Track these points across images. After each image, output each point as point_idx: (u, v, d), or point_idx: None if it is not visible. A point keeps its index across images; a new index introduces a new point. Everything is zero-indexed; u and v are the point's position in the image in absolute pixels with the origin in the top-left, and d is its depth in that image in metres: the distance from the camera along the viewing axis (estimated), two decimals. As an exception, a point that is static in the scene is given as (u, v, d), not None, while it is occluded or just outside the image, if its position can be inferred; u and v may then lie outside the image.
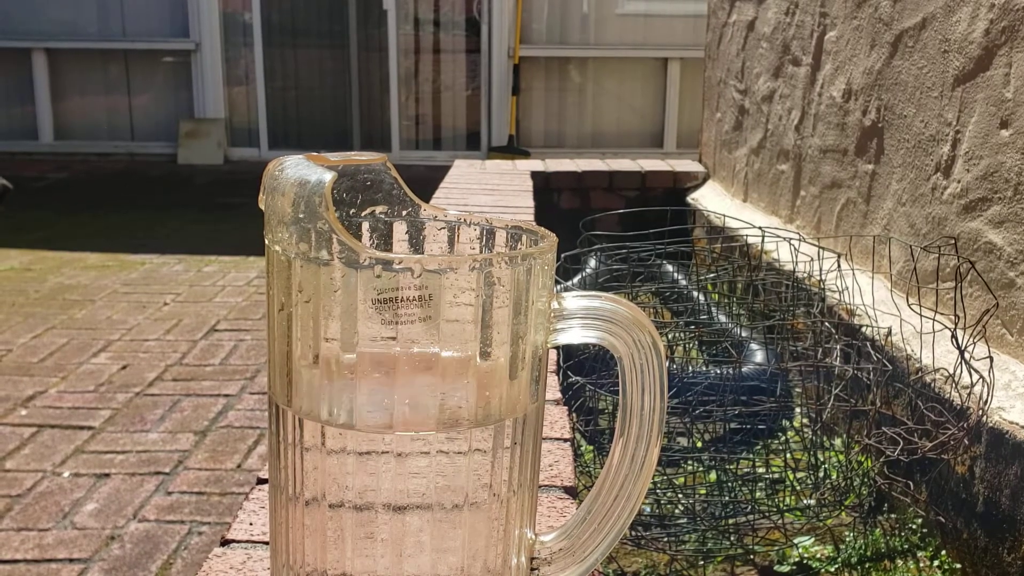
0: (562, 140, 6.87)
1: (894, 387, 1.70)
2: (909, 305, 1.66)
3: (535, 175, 3.18)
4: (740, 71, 3.08)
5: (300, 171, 0.45)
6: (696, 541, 1.61)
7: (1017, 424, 1.39)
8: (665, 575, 1.55)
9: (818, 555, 1.59)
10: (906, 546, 1.59)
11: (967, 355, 1.45)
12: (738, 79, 3.11)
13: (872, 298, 1.85)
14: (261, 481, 0.84)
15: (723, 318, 2.29)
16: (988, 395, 1.41)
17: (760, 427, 1.86)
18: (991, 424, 1.43)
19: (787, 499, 1.73)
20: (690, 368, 1.92)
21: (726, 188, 3.24)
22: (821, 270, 1.96)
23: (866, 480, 1.71)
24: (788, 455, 1.79)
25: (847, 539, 1.62)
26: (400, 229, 0.54)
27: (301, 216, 0.43)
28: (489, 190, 2.78)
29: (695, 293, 2.39)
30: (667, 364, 0.50)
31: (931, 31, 1.86)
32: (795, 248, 1.95)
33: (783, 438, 1.93)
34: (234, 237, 4.44)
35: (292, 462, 0.46)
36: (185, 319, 3.21)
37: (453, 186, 2.85)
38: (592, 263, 2.51)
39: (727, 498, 1.69)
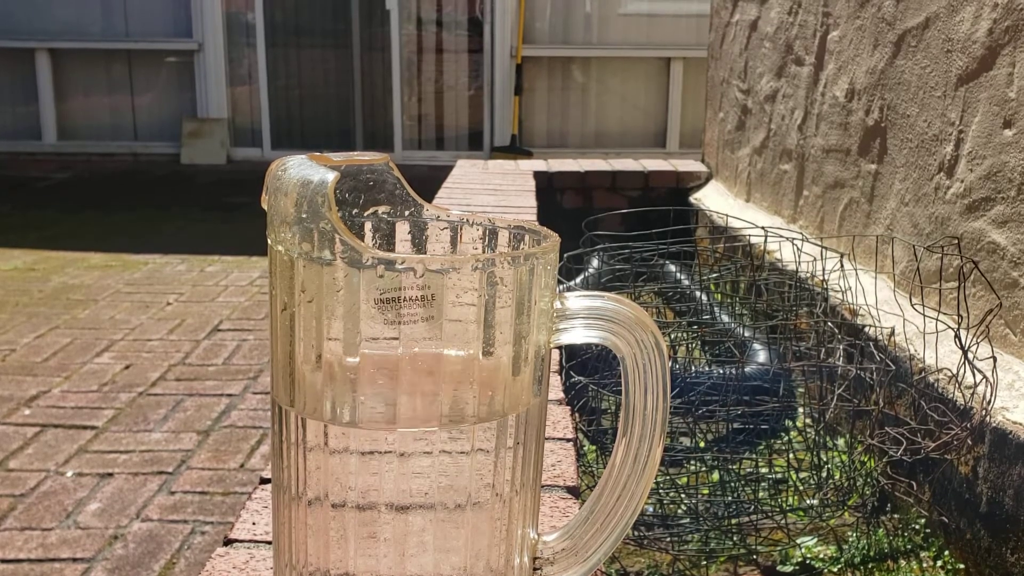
0: (565, 140, 6.87)
1: (897, 387, 1.69)
2: (912, 305, 1.66)
3: (538, 175, 3.18)
4: (743, 71, 3.08)
5: (303, 171, 0.45)
6: (699, 541, 1.61)
7: (1020, 424, 1.39)
8: (668, 575, 1.55)
9: (821, 555, 1.59)
10: (909, 546, 1.59)
11: (970, 355, 1.45)
12: (741, 79, 3.11)
13: (875, 298, 1.85)
14: (264, 481, 0.84)
15: (726, 318, 2.29)
16: (991, 395, 1.41)
17: (763, 427, 1.86)
18: (994, 424, 1.42)
19: (790, 499, 1.73)
20: (693, 368, 1.92)
21: (729, 188, 3.24)
22: (824, 270, 1.96)
23: (869, 480, 1.71)
24: (791, 455, 1.79)
25: (850, 539, 1.62)
26: (403, 229, 0.54)
27: (304, 216, 0.43)
28: (492, 190, 2.78)
29: (698, 293, 2.39)
30: (670, 364, 0.50)
31: (934, 31, 1.85)
32: (798, 248, 1.95)
33: (786, 438, 1.93)
34: (237, 237, 4.45)
35: (295, 462, 0.46)
36: (188, 319, 3.21)
37: (456, 186, 2.85)
38: (595, 263, 2.51)
39: (730, 498, 1.69)
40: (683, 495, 1.68)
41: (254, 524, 0.76)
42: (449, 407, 0.45)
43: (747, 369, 1.89)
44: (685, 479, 1.73)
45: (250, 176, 6.08)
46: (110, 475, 2.08)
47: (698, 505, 1.66)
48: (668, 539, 1.60)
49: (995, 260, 1.63)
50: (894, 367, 1.68)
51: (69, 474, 2.08)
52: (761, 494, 1.72)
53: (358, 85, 6.88)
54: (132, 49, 6.77)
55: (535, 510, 0.50)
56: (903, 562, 1.56)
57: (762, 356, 2.01)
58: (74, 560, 1.75)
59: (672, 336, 2.05)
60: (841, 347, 1.79)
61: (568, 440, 0.95)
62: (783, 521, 1.65)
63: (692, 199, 3.34)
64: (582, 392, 1.73)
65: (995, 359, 1.44)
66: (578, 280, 2.43)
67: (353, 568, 0.46)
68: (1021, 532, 1.37)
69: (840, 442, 1.87)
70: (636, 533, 1.59)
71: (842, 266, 1.89)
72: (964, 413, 1.48)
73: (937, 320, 1.58)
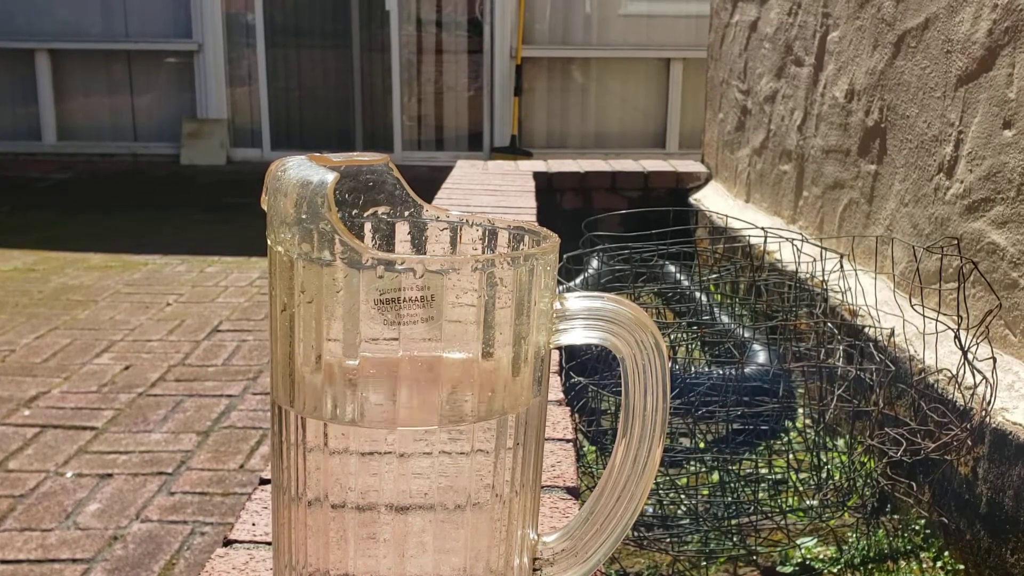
0: (564, 141, 6.87)
1: (897, 388, 1.69)
2: (912, 306, 1.66)
3: (537, 176, 3.18)
4: (743, 71, 3.08)
5: (303, 172, 0.45)
6: (699, 542, 1.61)
7: (1020, 425, 1.39)
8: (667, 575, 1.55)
9: (821, 556, 1.59)
10: (909, 547, 1.59)
11: (970, 356, 1.45)
12: (740, 79, 3.11)
13: (875, 299, 1.85)
14: (264, 481, 0.84)
15: (725, 319, 2.29)
16: (991, 396, 1.41)
17: (763, 428, 1.86)
18: (994, 425, 1.42)
19: (790, 500, 1.73)
20: (693, 369, 1.92)
21: (729, 188, 3.24)
22: (824, 271, 1.96)
23: (869, 481, 1.71)
24: (791, 456, 1.79)
25: (850, 540, 1.62)
26: (402, 230, 0.54)
27: (303, 217, 0.43)
28: (491, 191, 2.78)
29: (697, 294, 2.39)
30: (669, 365, 0.50)
31: (934, 31, 1.85)
32: (798, 249, 1.95)
33: (786, 439, 1.93)
34: (237, 237, 4.45)
35: (295, 463, 0.46)
36: (188, 319, 3.21)
37: (455, 187, 2.85)
38: (594, 264, 2.51)
39: (730, 499, 1.69)
40: (683, 496, 1.68)
41: (254, 525, 0.76)
42: (449, 408, 0.45)
43: (747, 370, 1.89)
44: (685, 480, 1.73)
45: (250, 177, 6.08)
46: (110, 476, 2.08)
47: (698, 506, 1.66)
48: (668, 540, 1.60)
49: (995, 261, 1.63)
50: (894, 368, 1.68)
51: (69, 475, 2.08)
52: (761, 495, 1.72)
53: (358, 86, 6.88)
54: (132, 50, 6.77)
55: (535, 511, 0.50)
56: (903, 563, 1.56)
57: (762, 357, 2.01)
58: (74, 561, 1.75)
59: (672, 337, 2.05)
60: (841, 348, 1.79)
61: (568, 441, 0.95)
62: (783, 522, 1.65)
63: (692, 200, 3.34)
64: (582, 393, 1.73)
65: (995, 360, 1.44)
66: (578, 281, 2.42)
67: (353, 569, 0.46)
68: (1021, 533, 1.37)
69: (840, 443, 1.87)
70: (636, 534, 1.59)
71: (842, 267, 1.89)
72: (964, 414, 1.48)
73: (937, 321, 1.58)
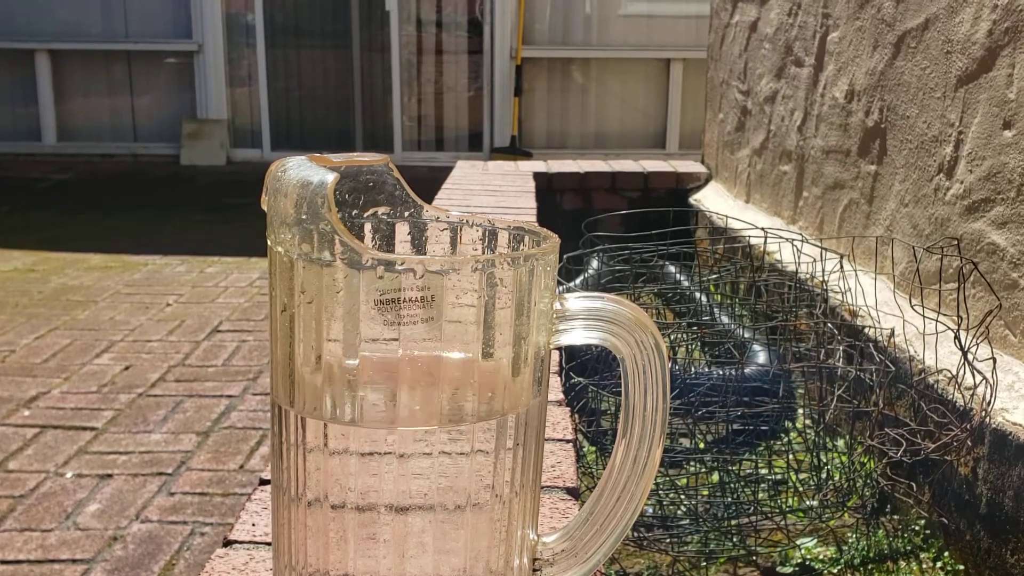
0: (564, 141, 6.87)
1: (897, 388, 1.69)
2: (912, 306, 1.66)
3: (537, 176, 3.18)
4: (743, 72, 3.08)
5: (303, 172, 0.45)
6: (698, 542, 1.61)
7: (1020, 425, 1.39)
8: (667, 576, 1.55)
9: (821, 556, 1.59)
10: (909, 547, 1.59)
11: (970, 356, 1.45)
12: (740, 80, 3.11)
13: (875, 299, 1.85)
14: (263, 482, 0.84)
15: (725, 319, 2.29)
16: (991, 396, 1.41)
17: (763, 428, 1.86)
18: (994, 425, 1.42)
19: (790, 500, 1.73)
20: (693, 369, 1.92)
21: (729, 189, 3.24)
22: (824, 271, 1.96)
23: (869, 481, 1.71)
24: (791, 456, 1.79)
25: (850, 540, 1.62)
26: (402, 230, 0.54)
27: (303, 217, 0.43)
28: (491, 191, 2.78)
29: (697, 294, 2.39)
30: (669, 365, 0.49)
31: (934, 32, 1.85)
32: (798, 249, 1.95)
33: (786, 439, 1.93)
34: (237, 238, 4.45)
35: (294, 463, 0.46)
36: (188, 320, 3.21)
37: (455, 187, 2.85)
38: (594, 264, 2.51)
39: (729, 499, 1.69)
40: (683, 496, 1.68)
41: (254, 525, 0.76)
42: (449, 408, 0.45)
43: (747, 370, 1.89)
44: (685, 480, 1.73)
45: (250, 177, 6.08)
46: (110, 476, 2.08)
47: (698, 506, 1.66)
48: (668, 540, 1.60)
49: (995, 261, 1.63)
50: (894, 368, 1.68)
51: (69, 475, 2.08)
52: (761, 495, 1.72)
53: (358, 86, 6.88)
54: (132, 50, 6.77)
55: (535, 511, 0.50)
56: (903, 563, 1.56)
57: (762, 357, 2.01)
58: (74, 561, 1.75)
59: (672, 337, 2.05)
60: (841, 348, 1.79)
61: (568, 441, 0.95)
62: (783, 522, 1.65)
63: (692, 200, 3.34)
64: (582, 393, 1.73)
65: (995, 360, 1.44)
66: (578, 281, 2.42)
67: (353, 569, 0.46)
68: (1021, 533, 1.37)
69: (840, 443, 1.87)
70: (636, 534, 1.59)
71: (842, 267, 1.89)
72: (964, 414, 1.48)
73: (937, 321, 1.58)
